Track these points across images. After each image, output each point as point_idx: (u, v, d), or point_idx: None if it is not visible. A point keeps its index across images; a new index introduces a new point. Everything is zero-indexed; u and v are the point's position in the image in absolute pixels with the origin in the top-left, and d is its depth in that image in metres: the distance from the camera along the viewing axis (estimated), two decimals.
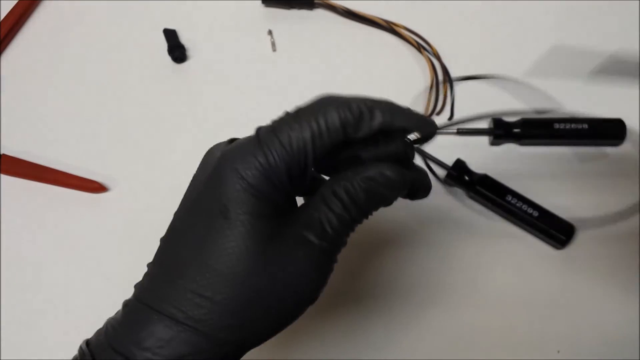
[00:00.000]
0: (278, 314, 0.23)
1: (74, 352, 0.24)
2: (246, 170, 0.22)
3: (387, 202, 0.24)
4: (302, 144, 0.22)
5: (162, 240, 0.25)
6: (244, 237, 0.22)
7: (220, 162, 0.23)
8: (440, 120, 0.45)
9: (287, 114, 0.23)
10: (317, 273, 0.24)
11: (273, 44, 0.49)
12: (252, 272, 0.22)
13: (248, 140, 0.23)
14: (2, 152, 0.45)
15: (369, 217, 0.25)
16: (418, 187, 0.28)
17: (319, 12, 0.50)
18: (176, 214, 0.25)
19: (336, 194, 0.23)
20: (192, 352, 0.21)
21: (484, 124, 0.44)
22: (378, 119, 0.23)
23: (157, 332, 0.21)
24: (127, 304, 0.24)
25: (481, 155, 0.43)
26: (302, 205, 0.24)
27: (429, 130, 0.26)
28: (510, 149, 0.44)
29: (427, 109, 0.45)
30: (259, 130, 0.23)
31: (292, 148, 0.22)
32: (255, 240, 0.22)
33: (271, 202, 0.22)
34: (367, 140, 0.24)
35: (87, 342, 0.23)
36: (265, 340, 0.24)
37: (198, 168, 0.25)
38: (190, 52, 0.49)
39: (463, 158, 0.42)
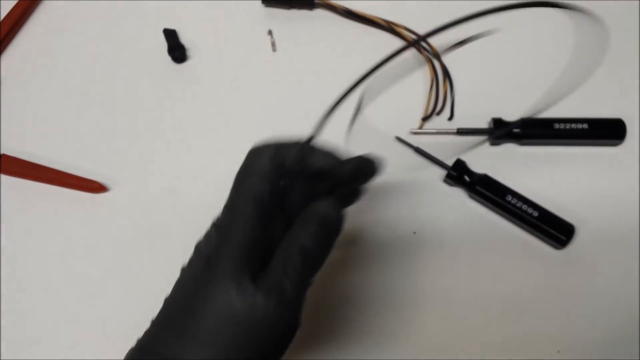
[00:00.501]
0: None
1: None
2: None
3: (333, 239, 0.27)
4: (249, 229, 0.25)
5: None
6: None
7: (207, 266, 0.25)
8: (440, 120, 0.45)
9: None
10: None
11: (273, 44, 0.49)
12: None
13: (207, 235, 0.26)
14: (2, 152, 0.45)
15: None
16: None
17: (319, 12, 0.50)
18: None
19: (285, 266, 0.25)
20: None
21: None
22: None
23: None
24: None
25: (481, 155, 0.43)
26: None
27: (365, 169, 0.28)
28: (510, 149, 0.44)
29: (427, 109, 0.45)
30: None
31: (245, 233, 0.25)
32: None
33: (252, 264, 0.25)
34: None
35: None
36: None
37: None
38: (190, 52, 0.49)
39: (463, 158, 0.42)
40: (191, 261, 0.26)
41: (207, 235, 0.27)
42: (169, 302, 0.26)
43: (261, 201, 0.25)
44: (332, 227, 0.26)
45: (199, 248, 0.26)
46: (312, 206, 0.26)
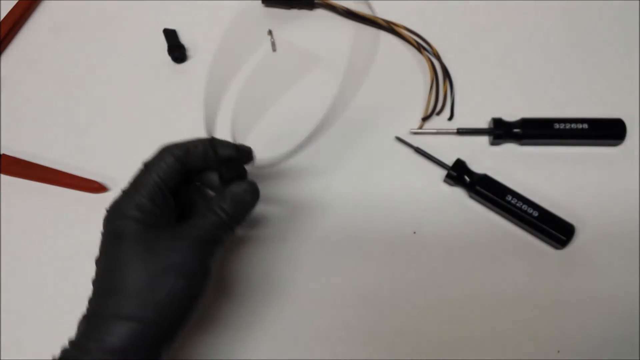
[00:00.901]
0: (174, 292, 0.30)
1: None
2: (127, 210, 0.31)
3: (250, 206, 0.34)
4: (154, 184, 0.32)
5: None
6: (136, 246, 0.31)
7: (109, 212, 0.32)
8: (440, 120, 0.45)
9: (140, 169, 0.33)
10: (200, 259, 0.31)
11: (273, 44, 0.49)
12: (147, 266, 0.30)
13: (122, 193, 0.33)
14: (2, 152, 0.45)
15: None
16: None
17: (319, 12, 0.50)
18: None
19: (213, 209, 0.33)
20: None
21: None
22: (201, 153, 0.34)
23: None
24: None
25: (481, 155, 0.43)
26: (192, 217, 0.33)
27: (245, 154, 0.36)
28: (510, 149, 0.44)
29: (427, 109, 0.45)
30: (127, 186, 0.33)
31: (149, 188, 0.32)
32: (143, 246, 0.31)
33: (147, 221, 0.31)
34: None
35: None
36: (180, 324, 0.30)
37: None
38: (190, 52, 0.49)
39: (463, 158, 0.42)
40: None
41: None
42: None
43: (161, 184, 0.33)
44: (246, 202, 0.34)
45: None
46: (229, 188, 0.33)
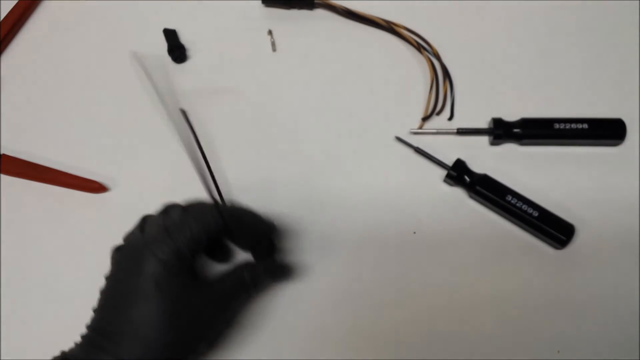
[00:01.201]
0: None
1: None
2: (160, 253, 0.31)
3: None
4: (197, 237, 0.32)
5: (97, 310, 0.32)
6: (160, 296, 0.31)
7: (141, 246, 0.32)
8: (440, 120, 0.45)
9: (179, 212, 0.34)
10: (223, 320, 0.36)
11: (273, 44, 0.49)
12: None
13: (156, 231, 0.33)
14: (2, 152, 0.45)
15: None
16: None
17: (319, 12, 0.50)
18: (106, 290, 0.32)
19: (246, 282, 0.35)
20: None
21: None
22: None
23: None
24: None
25: (481, 155, 0.43)
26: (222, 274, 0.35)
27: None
28: (510, 149, 0.44)
29: (427, 109, 0.45)
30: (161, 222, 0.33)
31: (192, 237, 0.32)
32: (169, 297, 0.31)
33: (180, 270, 0.32)
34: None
35: None
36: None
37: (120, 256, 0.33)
38: (190, 52, 0.49)
39: (463, 158, 0.42)
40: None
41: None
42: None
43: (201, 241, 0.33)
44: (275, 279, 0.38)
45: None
46: (237, 268, 0.35)
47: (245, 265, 0.35)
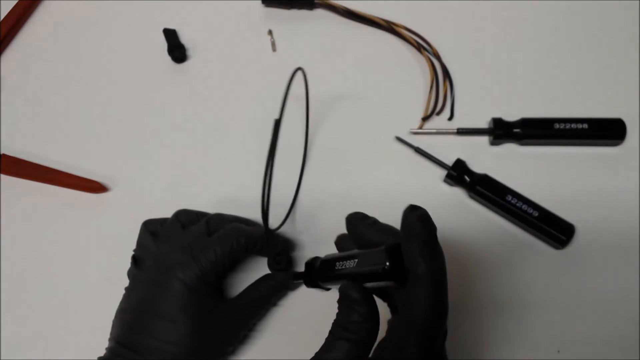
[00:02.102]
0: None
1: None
2: (187, 279, 0.33)
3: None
4: (220, 261, 0.34)
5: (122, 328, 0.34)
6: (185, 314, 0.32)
7: (164, 268, 0.34)
8: (440, 120, 0.45)
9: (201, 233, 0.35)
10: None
11: (273, 44, 0.49)
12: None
13: (180, 251, 0.34)
14: (2, 152, 0.45)
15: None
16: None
17: (319, 12, 0.50)
18: (130, 308, 0.34)
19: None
20: None
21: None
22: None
23: None
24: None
25: (481, 155, 0.43)
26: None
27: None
28: (510, 149, 0.44)
29: (427, 109, 0.45)
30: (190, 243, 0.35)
31: (215, 261, 0.34)
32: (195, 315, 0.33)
33: (206, 294, 0.34)
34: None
35: None
36: None
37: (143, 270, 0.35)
38: (190, 52, 0.49)
39: (463, 158, 0.42)
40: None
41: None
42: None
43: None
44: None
45: None
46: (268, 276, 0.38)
47: (264, 280, 0.37)
